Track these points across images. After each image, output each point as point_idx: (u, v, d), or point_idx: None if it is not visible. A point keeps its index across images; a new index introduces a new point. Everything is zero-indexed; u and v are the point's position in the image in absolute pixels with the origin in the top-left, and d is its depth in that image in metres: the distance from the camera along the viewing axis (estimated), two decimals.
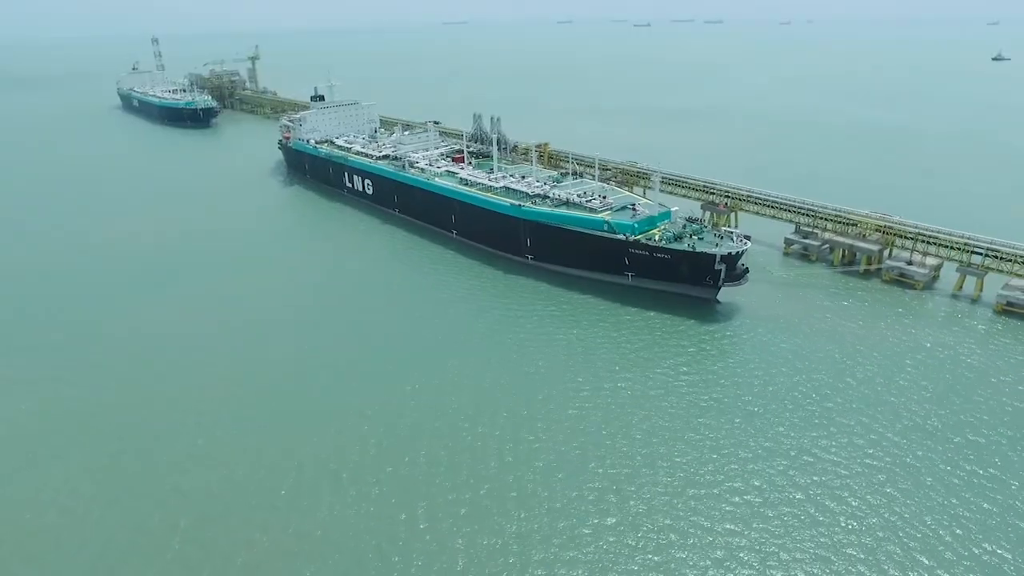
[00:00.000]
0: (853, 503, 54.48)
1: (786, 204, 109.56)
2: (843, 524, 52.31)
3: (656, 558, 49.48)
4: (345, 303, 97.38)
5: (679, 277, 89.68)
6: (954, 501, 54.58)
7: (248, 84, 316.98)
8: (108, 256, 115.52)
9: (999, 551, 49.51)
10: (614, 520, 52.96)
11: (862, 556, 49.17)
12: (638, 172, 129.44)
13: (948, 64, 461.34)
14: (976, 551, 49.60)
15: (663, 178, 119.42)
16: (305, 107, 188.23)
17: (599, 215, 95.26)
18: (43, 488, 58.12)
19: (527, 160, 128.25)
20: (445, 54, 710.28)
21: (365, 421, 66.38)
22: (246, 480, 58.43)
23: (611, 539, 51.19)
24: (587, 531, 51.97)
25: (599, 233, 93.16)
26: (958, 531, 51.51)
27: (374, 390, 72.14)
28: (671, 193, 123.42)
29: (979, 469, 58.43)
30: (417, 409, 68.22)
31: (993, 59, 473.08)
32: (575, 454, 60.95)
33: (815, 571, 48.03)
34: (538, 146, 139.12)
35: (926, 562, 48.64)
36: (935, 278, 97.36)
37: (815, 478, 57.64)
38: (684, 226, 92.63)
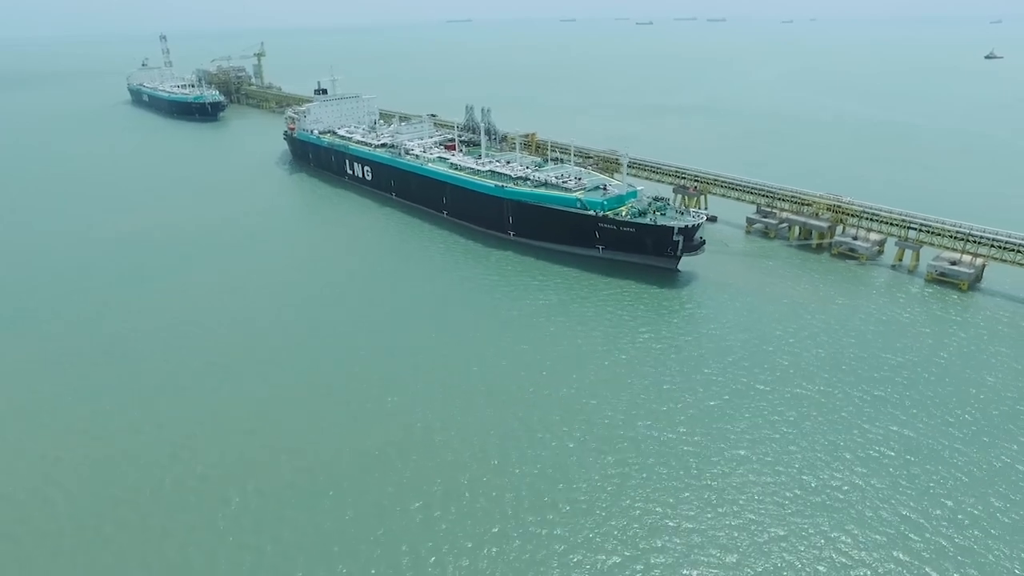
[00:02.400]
0: (785, 417, 65.16)
1: (748, 186, 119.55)
2: (771, 434, 62.60)
3: (614, 471, 59.77)
4: (348, 278, 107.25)
5: (643, 249, 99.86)
6: (862, 419, 65.18)
7: (254, 80, 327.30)
8: (129, 241, 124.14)
9: (894, 453, 60.06)
10: (576, 439, 63.33)
11: (782, 450, 59.52)
12: (617, 159, 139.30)
13: (941, 62, 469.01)
14: (873, 453, 60.46)
15: (634, 162, 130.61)
16: (309, 101, 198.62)
17: (573, 194, 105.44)
18: (102, 413, 68.81)
19: (521, 150, 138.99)
20: (448, 52, 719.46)
21: (368, 371, 77.11)
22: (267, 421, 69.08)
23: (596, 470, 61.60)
24: (569, 446, 62.40)
25: (572, 210, 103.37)
26: (859, 439, 62.25)
27: (376, 350, 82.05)
28: (647, 178, 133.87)
29: (886, 395, 69.04)
30: (414, 361, 78.32)
31: (985, 57, 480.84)
32: (557, 396, 71.09)
33: (754, 468, 58.34)
34: (525, 136, 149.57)
35: (827, 458, 58.89)
36: (880, 252, 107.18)
37: (751, 404, 68.11)
38: (649, 204, 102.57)
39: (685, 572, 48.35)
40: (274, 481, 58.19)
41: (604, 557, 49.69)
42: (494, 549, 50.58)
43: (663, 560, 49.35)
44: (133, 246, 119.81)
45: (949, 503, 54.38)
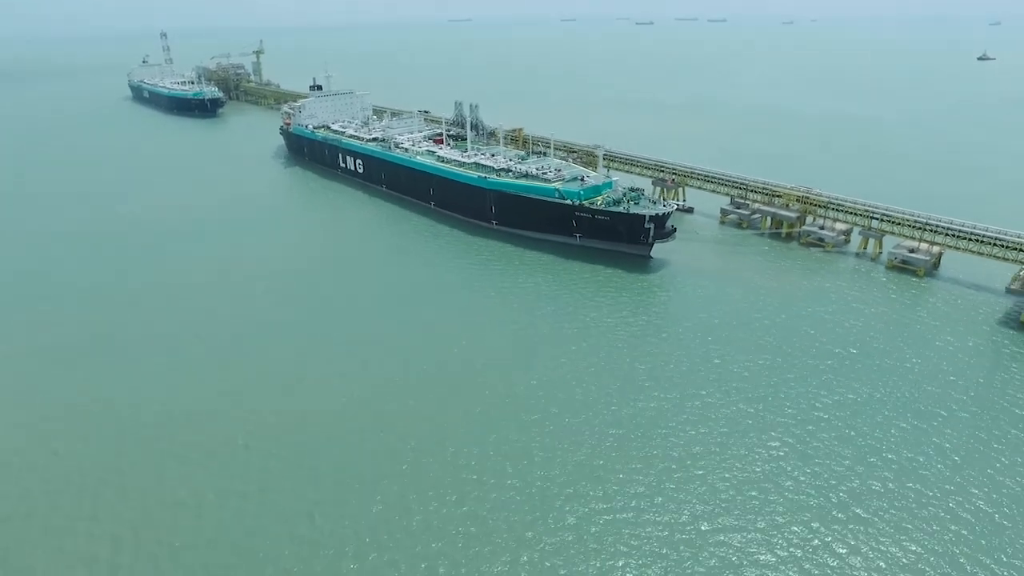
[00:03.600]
0: (742, 386, 70.04)
1: (723, 179, 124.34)
2: (729, 402, 67.48)
3: (588, 439, 64.58)
4: (339, 263, 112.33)
5: (617, 236, 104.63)
6: (812, 387, 70.23)
7: (253, 77, 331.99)
8: (136, 225, 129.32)
9: (836, 416, 64.94)
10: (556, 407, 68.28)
11: (738, 416, 64.46)
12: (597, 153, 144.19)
13: (933, 63, 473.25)
14: (821, 415, 65.57)
15: (617, 155, 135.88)
16: (305, 98, 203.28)
17: (552, 184, 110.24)
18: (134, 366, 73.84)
19: (508, 144, 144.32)
20: (448, 51, 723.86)
21: (358, 345, 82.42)
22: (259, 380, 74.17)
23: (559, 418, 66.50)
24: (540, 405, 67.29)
25: (551, 200, 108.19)
26: (807, 404, 67.22)
27: (364, 330, 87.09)
28: (628, 171, 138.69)
29: (837, 366, 74.27)
30: (399, 338, 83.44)
31: (978, 59, 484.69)
32: (535, 371, 76.32)
33: (708, 417, 63.27)
34: (513, 131, 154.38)
35: (779, 419, 63.77)
36: (846, 241, 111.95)
37: (712, 376, 73.06)
38: (624, 193, 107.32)
39: (648, 527, 52.75)
40: (276, 444, 63.42)
41: (572, 517, 54.11)
42: (472, 504, 55.32)
43: (628, 517, 53.65)
44: (134, 232, 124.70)
45: (886, 456, 59.45)
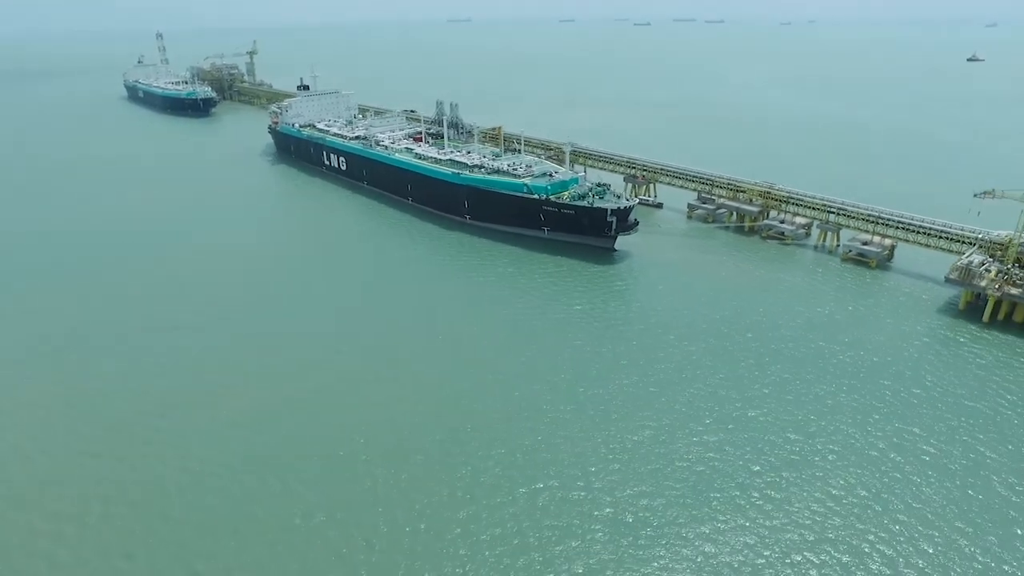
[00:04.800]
0: (689, 364, 73.82)
1: (690, 175, 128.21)
2: (683, 378, 71.32)
3: (549, 416, 68.36)
4: (316, 256, 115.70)
5: (582, 229, 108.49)
6: (753, 366, 73.93)
7: (246, 77, 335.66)
8: (121, 221, 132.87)
9: (768, 392, 68.67)
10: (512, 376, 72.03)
11: (684, 393, 68.27)
12: (573, 151, 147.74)
13: (924, 64, 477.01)
14: (763, 391, 69.59)
15: (592, 153, 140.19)
16: (294, 97, 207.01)
17: (521, 180, 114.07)
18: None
19: (485, 142, 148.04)
20: (446, 51, 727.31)
21: (334, 333, 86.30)
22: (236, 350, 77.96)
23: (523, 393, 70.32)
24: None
25: (520, 194, 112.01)
26: (748, 382, 70.87)
27: (340, 315, 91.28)
28: (601, 168, 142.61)
29: (779, 348, 78.22)
30: (369, 328, 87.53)
31: (968, 60, 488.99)
32: (501, 355, 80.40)
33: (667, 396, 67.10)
34: (492, 129, 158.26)
35: (721, 394, 67.60)
36: (807, 235, 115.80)
37: (663, 356, 77.21)
38: (590, 188, 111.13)
39: (600, 501, 56.50)
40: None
41: (523, 488, 58.27)
42: (441, 483, 59.32)
43: (580, 495, 57.45)
44: (119, 228, 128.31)
45: (824, 428, 63.53)
